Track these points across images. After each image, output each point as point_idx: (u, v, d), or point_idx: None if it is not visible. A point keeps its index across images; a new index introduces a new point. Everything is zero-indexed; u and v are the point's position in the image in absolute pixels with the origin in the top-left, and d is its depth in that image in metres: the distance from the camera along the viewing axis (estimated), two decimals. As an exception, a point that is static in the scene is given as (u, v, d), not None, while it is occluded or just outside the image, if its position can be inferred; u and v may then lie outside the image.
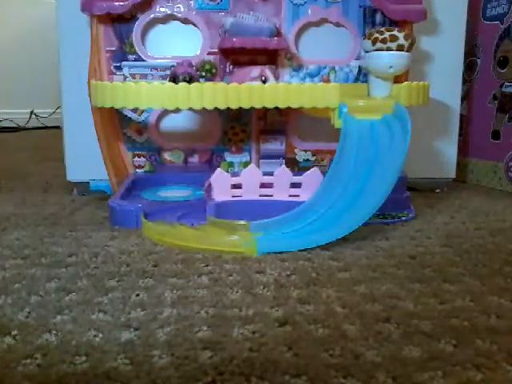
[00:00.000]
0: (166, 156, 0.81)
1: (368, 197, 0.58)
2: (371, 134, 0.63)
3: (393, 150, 0.61)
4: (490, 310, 0.41)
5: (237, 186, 0.67)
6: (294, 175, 0.67)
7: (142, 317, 0.40)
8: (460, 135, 0.93)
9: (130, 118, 0.79)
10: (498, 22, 0.95)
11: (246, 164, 0.79)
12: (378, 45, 0.68)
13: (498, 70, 0.95)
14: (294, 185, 0.67)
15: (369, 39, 0.69)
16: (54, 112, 2.16)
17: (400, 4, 0.76)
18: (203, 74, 0.76)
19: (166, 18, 0.76)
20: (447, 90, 0.88)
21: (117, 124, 0.79)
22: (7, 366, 0.33)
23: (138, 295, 0.44)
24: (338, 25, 0.79)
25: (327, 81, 0.79)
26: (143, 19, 0.74)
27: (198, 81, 0.68)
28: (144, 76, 0.76)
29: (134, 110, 0.78)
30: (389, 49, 0.67)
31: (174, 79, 0.66)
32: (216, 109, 0.62)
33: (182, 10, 0.75)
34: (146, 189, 0.77)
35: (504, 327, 0.39)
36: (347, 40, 0.79)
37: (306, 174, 0.67)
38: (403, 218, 0.71)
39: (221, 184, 0.65)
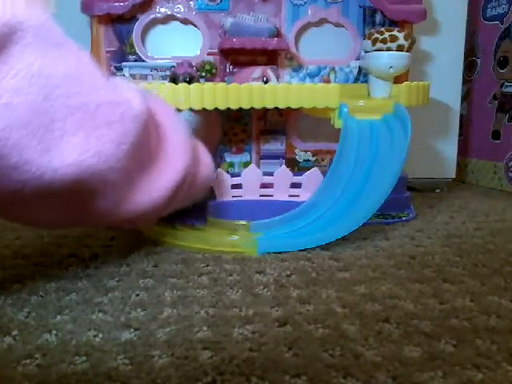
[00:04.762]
0: (166, 156, 0.81)
1: (368, 197, 0.58)
2: (371, 134, 0.63)
3: (393, 150, 0.61)
4: (490, 310, 0.41)
5: (237, 186, 0.67)
6: (294, 175, 0.67)
7: (142, 317, 0.40)
8: (460, 135, 0.93)
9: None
10: (497, 22, 0.95)
11: (246, 164, 0.79)
12: (378, 45, 0.68)
13: (497, 70, 0.96)
14: (294, 185, 0.67)
15: (369, 39, 0.69)
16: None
17: (400, 4, 0.76)
18: (203, 74, 0.76)
19: (166, 19, 0.76)
20: (447, 90, 0.88)
21: (117, 124, 0.79)
22: (7, 365, 0.33)
23: (137, 295, 0.44)
24: (337, 25, 0.79)
25: (327, 81, 0.79)
26: (143, 20, 0.74)
27: (199, 81, 0.68)
28: (144, 76, 0.76)
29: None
30: (389, 49, 0.68)
31: (174, 79, 0.66)
32: (216, 109, 0.62)
33: (182, 10, 0.75)
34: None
35: (504, 327, 0.39)
36: (347, 40, 0.79)
37: (305, 174, 0.67)
38: (403, 218, 0.71)
39: (221, 184, 0.65)
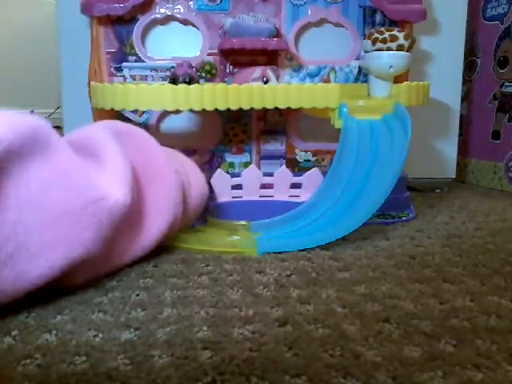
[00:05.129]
0: (166, 156, 0.81)
1: (368, 197, 0.58)
2: (371, 134, 0.63)
3: (393, 150, 0.61)
4: (490, 310, 0.41)
5: (237, 187, 0.67)
6: (294, 175, 0.67)
7: (142, 317, 0.40)
8: (460, 135, 0.93)
9: (130, 119, 0.79)
10: (497, 22, 0.95)
11: (246, 164, 0.79)
12: (378, 45, 0.68)
13: (497, 70, 0.95)
14: (294, 185, 0.67)
15: (369, 39, 0.69)
16: (54, 112, 2.16)
17: (400, 4, 0.76)
18: (203, 74, 0.76)
19: (166, 19, 0.76)
20: (447, 90, 0.88)
21: (117, 125, 0.79)
22: (7, 366, 0.33)
23: (137, 295, 0.44)
24: (337, 25, 0.79)
25: (327, 81, 0.79)
26: (143, 20, 0.74)
27: (198, 82, 0.68)
28: (144, 77, 0.76)
29: (135, 112, 0.78)
30: (389, 49, 0.68)
31: (174, 80, 0.66)
32: (216, 110, 0.62)
33: (182, 10, 0.75)
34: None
35: (504, 327, 0.39)
36: (347, 40, 0.79)
37: (306, 174, 0.67)
38: (403, 218, 0.71)
39: (221, 185, 0.65)
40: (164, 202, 0.50)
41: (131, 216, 0.46)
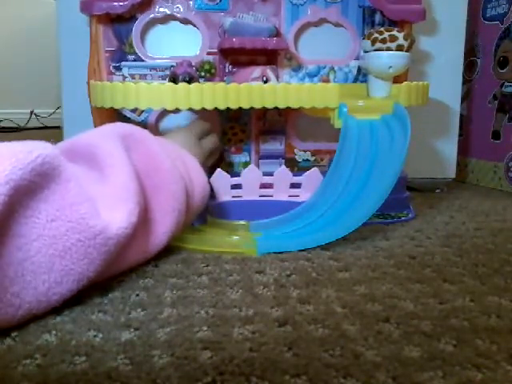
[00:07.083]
0: (166, 156, 0.81)
1: (368, 197, 0.58)
2: (371, 133, 0.63)
3: (393, 150, 0.61)
4: (490, 310, 0.41)
5: (236, 186, 0.66)
6: (294, 175, 0.67)
7: (142, 317, 0.40)
8: (460, 135, 0.93)
9: (130, 118, 0.79)
10: (497, 22, 0.95)
11: (245, 164, 0.79)
12: (378, 45, 0.68)
13: (497, 70, 0.96)
14: (294, 185, 0.67)
15: (368, 39, 0.69)
16: (54, 112, 2.16)
17: (399, 4, 0.76)
18: (202, 74, 0.76)
19: (166, 18, 0.76)
20: (447, 89, 0.88)
21: (116, 124, 0.79)
22: (7, 366, 0.33)
23: (137, 295, 0.44)
24: (337, 25, 0.79)
25: (326, 81, 0.79)
26: (142, 19, 0.74)
27: (198, 81, 0.68)
28: (143, 76, 0.76)
29: (134, 110, 0.78)
30: (388, 49, 0.68)
31: (174, 79, 0.66)
32: (216, 109, 0.62)
33: (182, 10, 0.74)
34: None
35: (504, 327, 0.39)
36: (346, 40, 0.79)
37: (305, 174, 0.67)
38: (403, 218, 0.71)
39: (221, 184, 0.65)
40: (168, 213, 0.50)
41: (136, 228, 0.46)
